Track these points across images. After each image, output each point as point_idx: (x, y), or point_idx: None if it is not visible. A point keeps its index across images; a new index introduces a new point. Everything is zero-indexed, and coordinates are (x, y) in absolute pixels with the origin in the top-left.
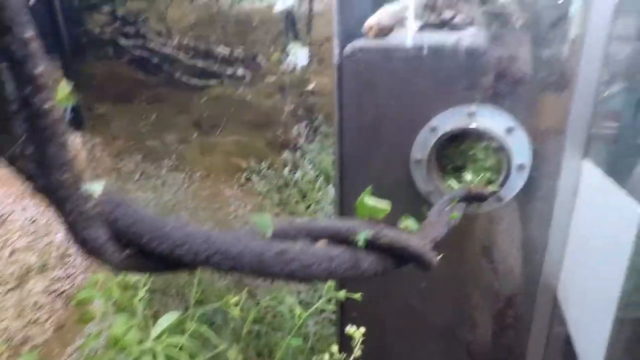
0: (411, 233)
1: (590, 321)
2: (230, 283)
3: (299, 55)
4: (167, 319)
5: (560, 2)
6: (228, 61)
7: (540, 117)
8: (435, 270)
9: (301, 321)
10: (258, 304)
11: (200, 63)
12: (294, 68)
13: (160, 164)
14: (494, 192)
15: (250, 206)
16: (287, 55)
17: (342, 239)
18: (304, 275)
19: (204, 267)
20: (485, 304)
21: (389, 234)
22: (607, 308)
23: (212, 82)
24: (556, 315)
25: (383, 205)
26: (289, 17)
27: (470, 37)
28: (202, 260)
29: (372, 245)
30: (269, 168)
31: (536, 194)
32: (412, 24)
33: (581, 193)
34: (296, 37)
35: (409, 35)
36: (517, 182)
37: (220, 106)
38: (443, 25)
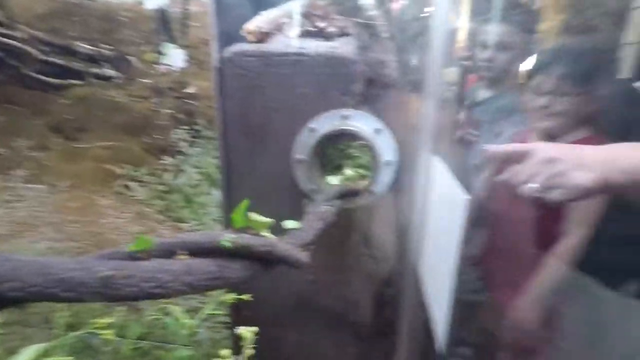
0: (287, 235)
1: (438, 293)
2: None
3: (174, 57)
4: (24, 356)
5: (422, 15)
6: (93, 59)
7: (402, 118)
8: (322, 261)
9: (190, 330)
10: (142, 318)
11: (58, 60)
12: (170, 70)
13: (12, 175)
14: (366, 188)
15: (131, 215)
16: (162, 56)
17: (203, 251)
18: (164, 293)
19: (41, 300)
20: (367, 287)
21: (249, 241)
22: (448, 282)
23: (75, 81)
24: (419, 290)
25: (264, 219)
26: (162, 16)
27: (342, 46)
28: (37, 293)
29: (236, 253)
30: (148, 174)
31: (400, 186)
32: (292, 31)
33: (433, 184)
34: (171, 38)
35: (288, 42)
36: (385, 176)
37: (86, 108)
38: (319, 34)
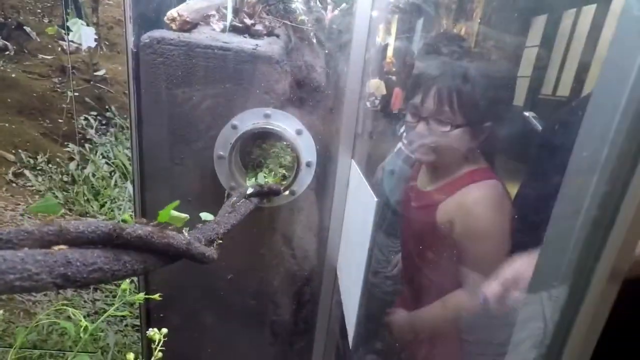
0: (195, 229)
1: (350, 292)
2: None
3: (83, 34)
4: None
5: (351, 27)
6: None
7: (323, 122)
8: (241, 260)
9: (93, 335)
10: (37, 324)
11: None
12: (78, 49)
13: None
14: (286, 187)
15: (25, 207)
16: (68, 32)
17: (90, 241)
18: (32, 286)
19: None
20: (286, 286)
21: (142, 232)
22: (359, 281)
23: None
24: (336, 287)
25: (181, 215)
26: None
27: (268, 44)
28: None
29: (126, 244)
30: (48, 162)
31: (320, 187)
32: (218, 25)
33: (350, 187)
34: (79, 13)
35: (213, 35)
36: (306, 177)
37: None
38: (246, 30)
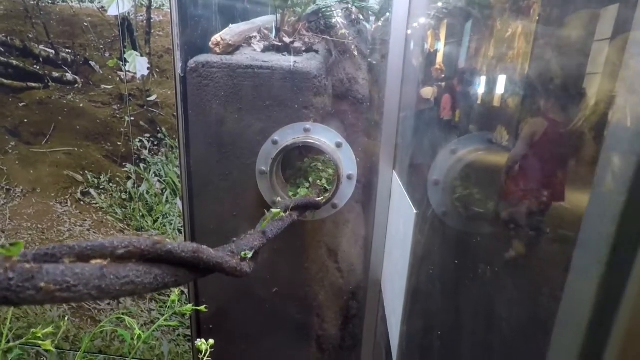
0: (231, 243)
1: (394, 302)
2: (66, 309)
3: (137, 64)
4: None
5: (391, 38)
6: (53, 63)
7: (365, 134)
8: (285, 274)
9: (148, 343)
10: (101, 331)
11: (16, 62)
12: (133, 77)
13: None
14: (326, 200)
15: (90, 223)
16: (125, 63)
17: (123, 256)
18: (71, 297)
19: None
20: (332, 300)
21: (172, 247)
22: (401, 292)
23: (33, 84)
24: (382, 302)
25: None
26: (125, 23)
27: (306, 60)
28: None
29: (157, 258)
30: (109, 181)
31: (364, 200)
32: (258, 45)
33: (392, 198)
34: (134, 46)
35: (253, 55)
36: (347, 190)
37: (45, 112)
38: (285, 48)
